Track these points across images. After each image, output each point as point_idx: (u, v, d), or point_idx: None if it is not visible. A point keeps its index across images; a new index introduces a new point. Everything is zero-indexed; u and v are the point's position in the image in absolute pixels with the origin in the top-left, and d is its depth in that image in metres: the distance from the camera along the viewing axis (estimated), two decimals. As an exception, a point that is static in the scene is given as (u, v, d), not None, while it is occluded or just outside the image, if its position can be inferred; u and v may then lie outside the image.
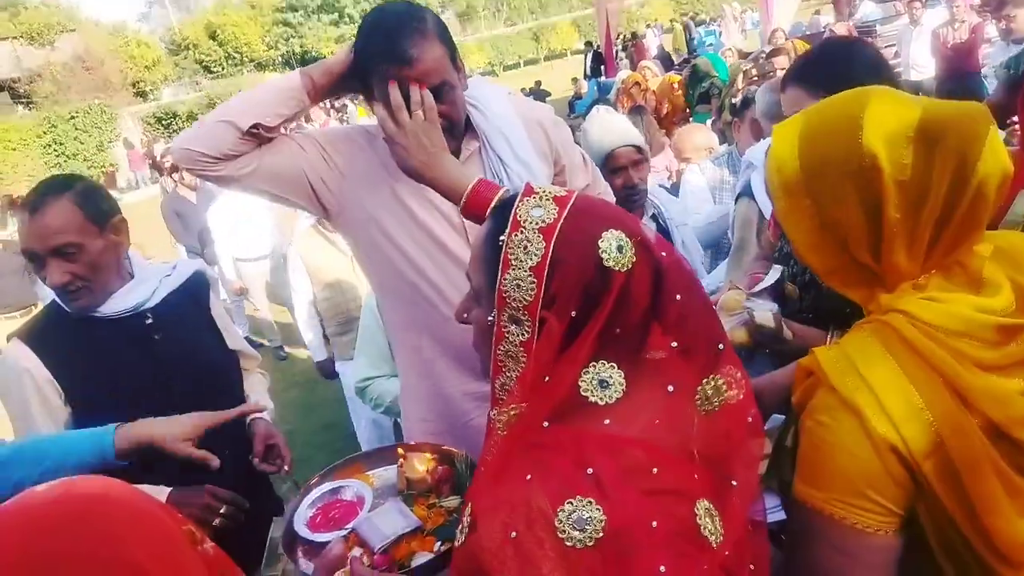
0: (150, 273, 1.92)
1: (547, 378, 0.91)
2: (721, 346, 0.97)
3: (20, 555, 0.63)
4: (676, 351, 0.94)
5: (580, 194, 1.00)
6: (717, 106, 6.33)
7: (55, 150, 21.55)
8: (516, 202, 0.97)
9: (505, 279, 0.92)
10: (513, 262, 0.92)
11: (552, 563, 0.81)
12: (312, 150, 1.72)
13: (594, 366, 0.92)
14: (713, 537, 0.86)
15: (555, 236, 0.92)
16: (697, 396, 0.94)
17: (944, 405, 0.92)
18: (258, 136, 1.62)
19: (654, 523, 0.83)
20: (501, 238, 0.94)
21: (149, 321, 1.86)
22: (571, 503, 0.82)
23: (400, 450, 1.50)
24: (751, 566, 0.93)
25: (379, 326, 2.76)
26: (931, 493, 0.92)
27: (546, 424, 0.91)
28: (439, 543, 1.26)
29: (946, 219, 0.96)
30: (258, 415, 2.05)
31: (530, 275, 0.91)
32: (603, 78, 13.89)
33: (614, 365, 0.92)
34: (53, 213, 1.73)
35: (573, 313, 0.90)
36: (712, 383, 0.95)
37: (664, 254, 0.96)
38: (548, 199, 0.96)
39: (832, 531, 0.96)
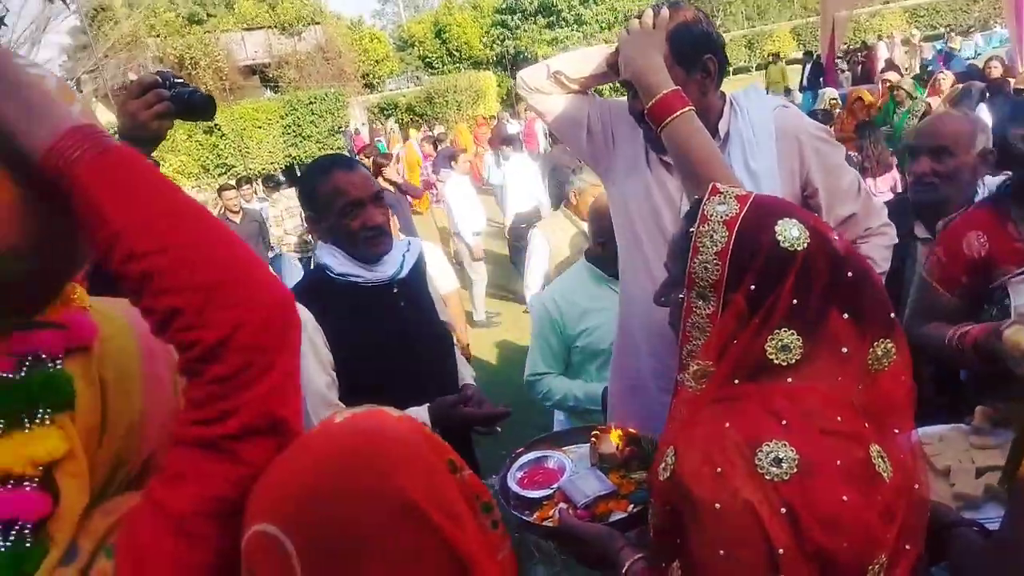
0: (397, 247, 2.21)
1: (735, 341, 1.10)
2: (892, 315, 1.14)
3: (310, 490, 0.77)
4: (849, 320, 1.11)
5: (759, 194, 1.20)
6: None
7: (293, 131, 23.78)
8: (703, 201, 1.17)
9: (694, 263, 1.13)
10: (701, 249, 1.13)
11: (743, 481, 0.99)
12: (602, 108, 2.11)
13: (778, 333, 1.09)
14: (885, 474, 1.02)
15: (737, 225, 1.12)
16: (869, 357, 1.13)
17: None
18: (561, 83, 2.06)
19: (838, 461, 1.00)
20: (691, 230, 1.15)
21: (395, 290, 2.15)
22: (768, 445, 1.01)
23: (595, 432, 1.70)
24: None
25: (552, 325, 2.93)
26: None
27: (736, 382, 1.09)
28: (632, 505, 1.46)
29: None
30: (470, 382, 2.38)
31: (715, 259, 1.12)
32: (822, 90, 13.27)
33: (794, 332, 1.09)
34: (362, 169, 2.11)
35: (752, 287, 1.09)
36: (883, 345, 1.13)
37: (837, 238, 1.14)
38: (731, 197, 1.16)
39: None
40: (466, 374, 2.43)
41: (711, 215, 1.14)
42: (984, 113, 5.67)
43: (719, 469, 1.00)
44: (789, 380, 1.09)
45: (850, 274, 1.10)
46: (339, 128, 24.01)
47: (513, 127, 16.30)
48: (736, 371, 1.10)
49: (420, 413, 2.02)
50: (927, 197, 2.37)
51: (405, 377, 2.09)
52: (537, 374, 3.04)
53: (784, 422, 1.03)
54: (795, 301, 1.08)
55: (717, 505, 0.99)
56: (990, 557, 1.12)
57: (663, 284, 1.27)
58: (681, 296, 1.17)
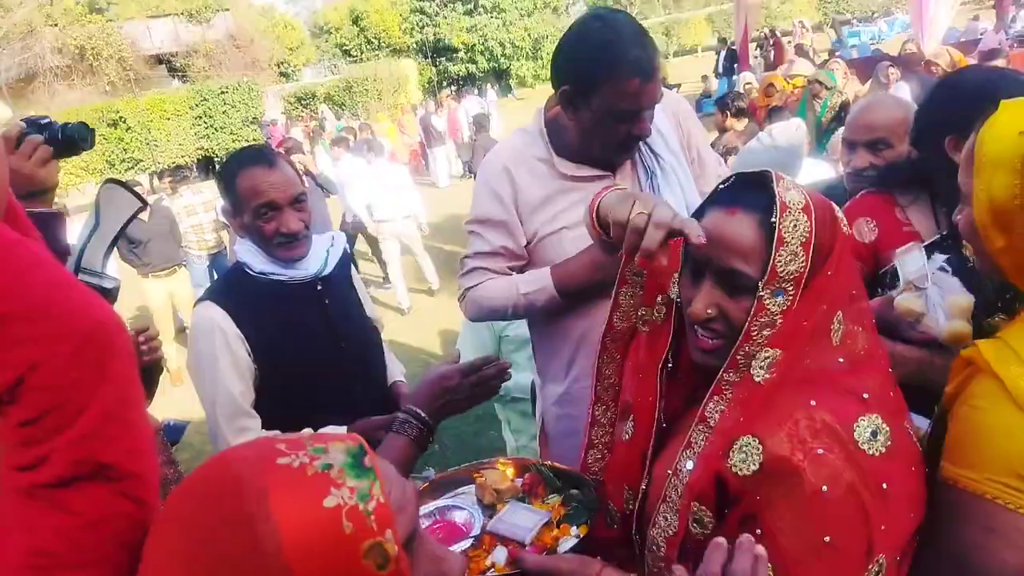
0: (319, 243, 2.08)
1: (805, 325, 1.07)
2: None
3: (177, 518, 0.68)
4: (859, 296, 1.14)
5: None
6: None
7: (204, 122, 22.99)
8: (776, 188, 1.08)
9: (780, 255, 1.05)
10: (787, 239, 1.05)
11: (844, 461, 0.98)
12: (511, 219, 1.93)
13: (837, 314, 1.09)
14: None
15: (813, 213, 1.07)
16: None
17: None
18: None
19: (907, 437, 1.06)
20: (772, 220, 1.06)
21: (319, 288, 2.02)
22: (863, 419, 1.01)
23: (475, 474, 1.48)
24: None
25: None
26: None
27: (807, 362, 1.07)
28: (574, 527, 1.29)
29: None
30: (400, 380, 2.29)
31: (801, 249, 1.05)
32: (736, 76, 13.56)
33: (841, 312, 1.09)
34: (285, 168, 1.95)
35: (830, 273, 1.09)
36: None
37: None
38: (790, 182, 1.12)
39: (983, 512, 0.99)
40: (396, 371, 2.33)
41: (791, 203, 1.07)
42: (903, 91, 5.89)
43: (820, 451, 0.98)
44: (840, 360, 1.08)
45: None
46: (253, 119, 23.29)
47: (438, 119, 16.04)
48: (803, 355, 1.08)
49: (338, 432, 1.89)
50: (863, 188, 2.36)
51: (333, 378, 1.99)
52: None
53: (865, 396, 1.04)
54: (854, 292, 1.12)
55: (824, 488, 0.96)
56: (926, 569, 1.08)
57: (705, 294, 1.13)
58: (760, 294, 1.07)
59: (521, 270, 1.94)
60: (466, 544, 1.30)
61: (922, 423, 1.59)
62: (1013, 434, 0.97)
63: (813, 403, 1.02)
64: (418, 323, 7.28)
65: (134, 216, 1.79)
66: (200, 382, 1.93)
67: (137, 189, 7.42)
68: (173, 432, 2.50)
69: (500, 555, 1.23)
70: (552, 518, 1.33)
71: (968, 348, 1.08)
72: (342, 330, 2.04)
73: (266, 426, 1.91)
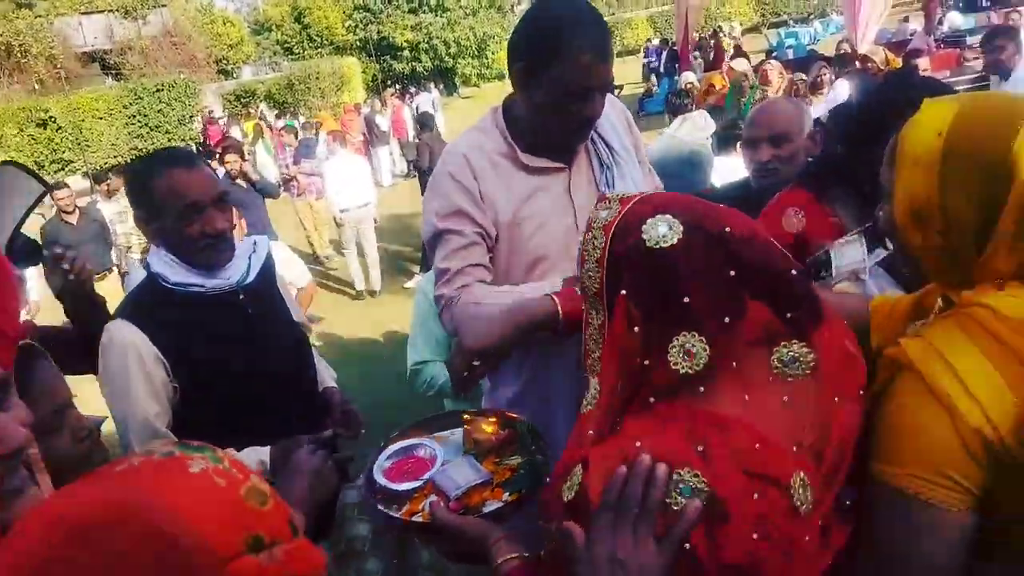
0: (240, 250, 1.99)
1: (633, 354, 1.01)
2: (790, 315, 1.02)
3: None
4: (764, 310, 1.01)
5: (647, 192, 1.14)
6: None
7: (139, 121, 22.30)
8: (592, 210, 1.11)
9: (581, 272, 1.10)
10: (585, 257, 1.09)
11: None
12: (478, 210, 1.86)
13: (677, 338, 1.00)
14: (804, 506, 0.95)
15: (612, 230, 1.05)
16: (774, 359, 1.02)
17: None
18: None
19: (755, 496, 0.93)
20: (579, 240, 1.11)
21: (242, 297, 1.93)
22: (679, 473, 0.94)
23: (466, 415, 1.60)
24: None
25: (433, 311, 2.81)
26: (1018, 472, 0.95)
27: (652, 400, 1.01)
28: (507, 494, 1.36)
29: None
30: (331, 385, 2.24)
31: (596, 266, 1.07)
32: (678, 77, 13.73)
33: (695, 334, 1.00)
34: (204, 167, 1.88)
35: (625, 292, 1.02)
36: (787, 349, 1.02)
37: (728, 229, 1.03)
38: (615, 201, 1.10)
39: (908, 507, 1.01)
40: (327, 377, 2.27)
41: (594, 222, 1.09)
42: (843, 88, 6.20)
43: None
44: (701, 390, 1.00)
45: (733, 270, 1.01)
46: (191, 117, 22.69)
47: (382, 118, 15.84)
48: (645, 387, 1.02)
49: (260, 454, 1.82)
50: (770, 182, 2.46)
51: (260, 389, 1.90)
52: (420, 363, 2.92)
53: (701, 449, 0.95)
54: (685, 299, 1.00)
55: None
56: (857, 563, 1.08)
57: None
58: (584, 308, 1.13)
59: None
60: (415, 484, 1.41)
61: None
62: (933, 430, 0.98)
63: (639, 444, 0.97)
64: (360, 326, 7.16)
65: (38, 201, 1.69)
66: (112, 402, 1.82)
67: (64, 192, 7.12)
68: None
69: (427, 504, 1.33)
70: (493, 480, 1.41)
71: (893, 347, 1.08)
72: (267, 340, 1.95)
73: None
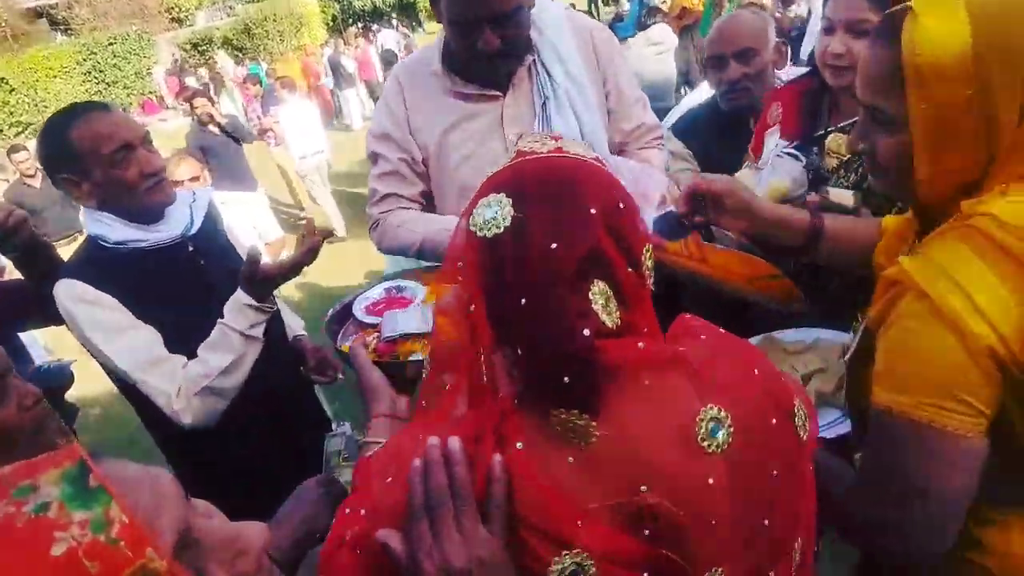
0: (179, 199, 1.91)
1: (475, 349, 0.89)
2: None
3: None
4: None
5: (566, 141, 0.93)
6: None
7: (95, 77, 21.60)
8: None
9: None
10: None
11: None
12: (402, 136, 1.94)
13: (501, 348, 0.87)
14: None
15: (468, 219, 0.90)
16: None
17: None
18: None
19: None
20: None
21: (191, 248, 1.88)
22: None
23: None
24: None
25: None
26: None
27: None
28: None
29: None
30: (301, 334, 2.22)
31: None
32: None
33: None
34: (121, 112, 1.85)
35: (461, 279, 0.89)
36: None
37: (595, 211, 0.84)
38: (537, 142, 0.93)
39: (920, 436, 0.97)
40: (296, 325, 2.24)
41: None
42: None
43: (389, 479, 0.88)
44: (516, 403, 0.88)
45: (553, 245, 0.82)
46: (148, 70, 21.98)
47: (347, 60, 15.37)
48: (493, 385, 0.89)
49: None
50: (742, 102, 2.36)
51: None
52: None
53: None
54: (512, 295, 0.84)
55: None
56: (867, 497, 1.07)
57: None
58: None
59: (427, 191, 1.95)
60: (376, 320, 1.46)
61: (840, 337, 1.61)
62: (945, 354, 0.94)
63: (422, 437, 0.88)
64: (324, 273, 6.97)
65: None
66: (102, 349, 1.72)
67: (22, 155, 6.88)
68: (53, 376, 2.25)
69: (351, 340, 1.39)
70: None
71: (892, 268, 1.03)
72: (225, 291, 1.83)
73: None
